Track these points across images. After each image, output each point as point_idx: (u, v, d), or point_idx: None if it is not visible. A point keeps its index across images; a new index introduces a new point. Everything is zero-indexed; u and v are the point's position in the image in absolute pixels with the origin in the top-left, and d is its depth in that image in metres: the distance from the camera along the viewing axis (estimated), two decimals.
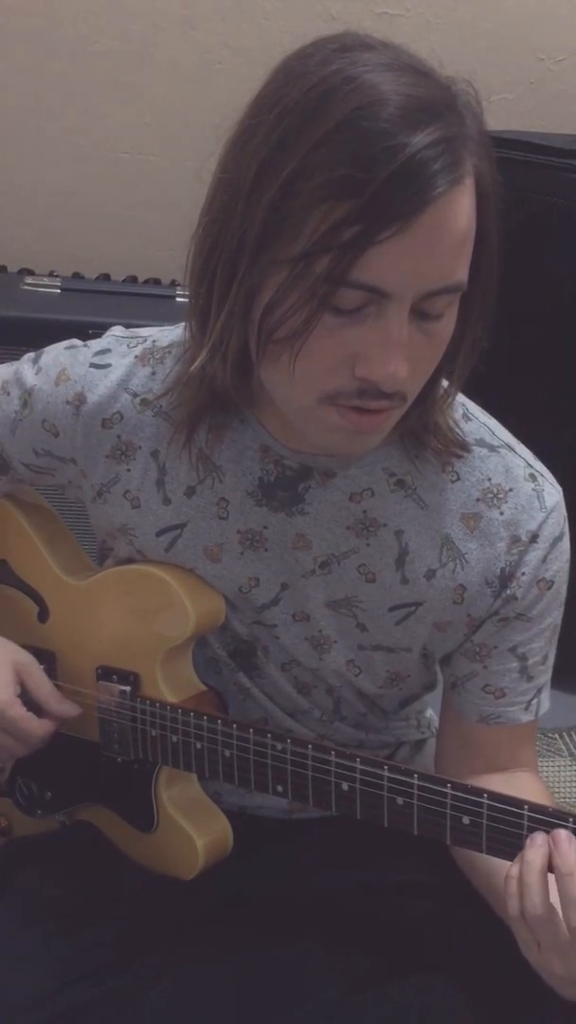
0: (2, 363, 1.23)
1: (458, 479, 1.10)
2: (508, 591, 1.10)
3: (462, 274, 0.94)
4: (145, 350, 1.14)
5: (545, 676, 1.16)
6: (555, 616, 1.14)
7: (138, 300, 2.17)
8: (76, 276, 2.28)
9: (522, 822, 0.94)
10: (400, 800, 0.99)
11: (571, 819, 0.93)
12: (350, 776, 1.02)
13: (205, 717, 1.12)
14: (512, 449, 1.11)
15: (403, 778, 1.00)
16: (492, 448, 1.10)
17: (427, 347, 0.96)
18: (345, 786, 1.03)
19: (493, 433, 1.12)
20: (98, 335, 1.18)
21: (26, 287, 2.13)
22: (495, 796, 0.96)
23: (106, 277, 2.30)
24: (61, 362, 1.16)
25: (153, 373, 1.13)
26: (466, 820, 0.98)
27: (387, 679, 1.17)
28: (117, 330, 1.19)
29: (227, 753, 1.11)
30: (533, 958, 0.96)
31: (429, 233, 0.89)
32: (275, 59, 0.96)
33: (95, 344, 1.17)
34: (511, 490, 1.09)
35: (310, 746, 1.05)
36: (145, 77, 2.30)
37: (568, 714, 2.17)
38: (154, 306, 2.12)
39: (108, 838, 1.25)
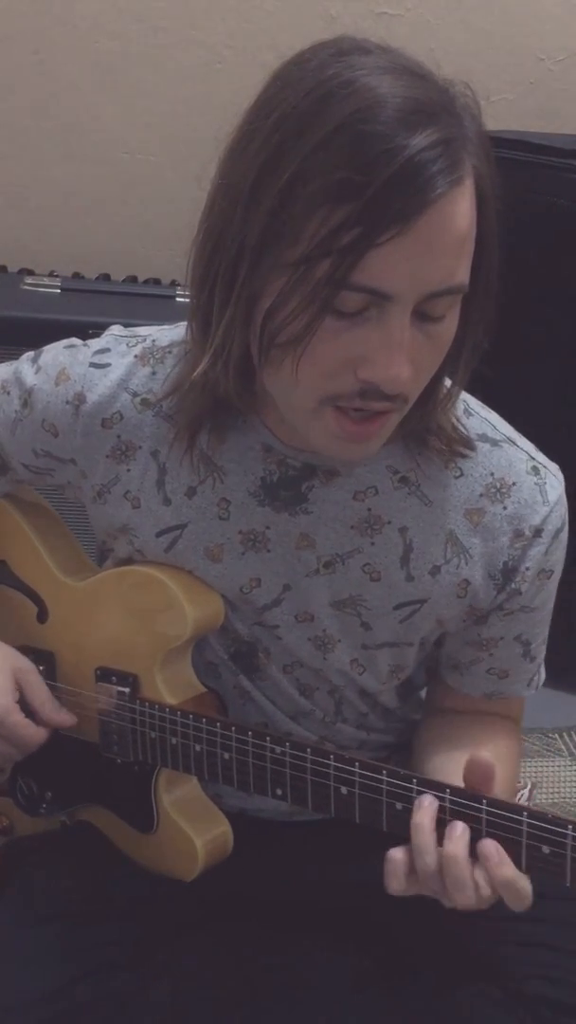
0: (2, 363, 1.23)
1: (461, 475, 1.10)
2: (512, 585, 1.11)
3: (463, 275, 0.94)
4: (145, 349, 1.14)
5: (543, 651, 1.20)
6: (553, 597, 1.17)
7: (138, 300, 2.16)
8: (76, 276, 2.27)
9: (521, 828, 0.94)
10: (399, 805, 0.99)
11: (570, 826, 0.93)
12: (349, 780, 1.02)
13: (204, 719, 1.12)
14: (514, 443, 1.12)
15: (401, 783, 1.00)
16: (494, 443, 1.11)
17: (429, 349, 0.96)
18: (344, 790, 1.03)
19: (495, 427, 1.12)
20: (98, 335, 1.18)
21: (26, 287, 2.13)
22: (494, 803, 0.96)
23: (106, 277, 2.30)
24: (61, 361, 1.15)
25: (153, 373, 1.13)
26: None
27: (389, 672, 1.18)
28: (116, 329, 1.18)
29: (226, 756, 1.10)
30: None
31: (429, 234, 0.89)
32: (275, 59, 0.96)
33: (94, 343, 1.17)
34: (514, 484, 1.10)
35: (309, 749, 1.05)
36: (145, 77, 2.29)
37: (568, 714, 2.18)
38: (154, 306, 2.12)
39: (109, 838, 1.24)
